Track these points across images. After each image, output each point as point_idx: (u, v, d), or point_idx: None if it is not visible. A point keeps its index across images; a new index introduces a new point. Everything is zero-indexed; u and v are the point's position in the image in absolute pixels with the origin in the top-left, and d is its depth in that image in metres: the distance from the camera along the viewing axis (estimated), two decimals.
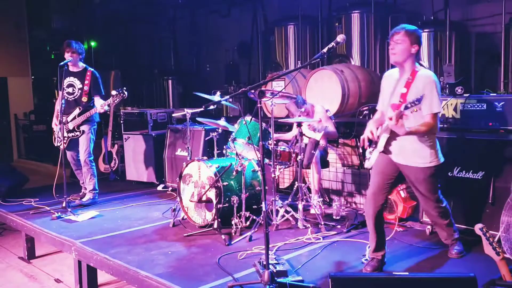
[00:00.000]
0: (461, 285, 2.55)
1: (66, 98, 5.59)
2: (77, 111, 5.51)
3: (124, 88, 5.41)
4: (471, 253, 3.72)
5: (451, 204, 4.12)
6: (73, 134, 5.56)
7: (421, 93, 3.14)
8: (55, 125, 5.74)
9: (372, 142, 3.48)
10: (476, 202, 4.02)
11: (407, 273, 2.93)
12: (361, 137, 3.51)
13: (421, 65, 3.40)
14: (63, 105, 5.44)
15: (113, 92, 5.33)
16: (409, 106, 2.98)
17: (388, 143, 3.40)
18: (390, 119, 3.09)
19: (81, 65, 5.64)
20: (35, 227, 4.80)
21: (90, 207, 5.54)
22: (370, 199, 3.47)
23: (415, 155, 3.37)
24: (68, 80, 5.60)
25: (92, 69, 5.62)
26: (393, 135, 3.35)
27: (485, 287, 2.87)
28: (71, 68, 5.62)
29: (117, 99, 5.33)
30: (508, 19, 5.62)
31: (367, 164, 3.55)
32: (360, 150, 5.71)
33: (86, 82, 5.51)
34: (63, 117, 5.50)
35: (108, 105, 5.42)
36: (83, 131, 5.54)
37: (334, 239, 4.20)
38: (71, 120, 5.54)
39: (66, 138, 5.56)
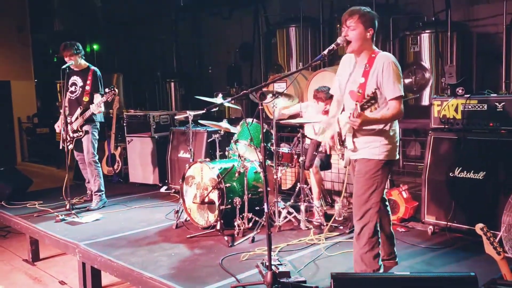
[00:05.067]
0: (462, 284, 2.56)
1: (69, 97, 5.62)
2: (78, 111, 5.52)
3: (115, 85, 5.50)
4: (472, 252, 3.73)
5: (452, 204, 4.14)
6: (77, 134, 5.58)
7: (380, 77, 2.94)
8: (57, 126, 5.76)
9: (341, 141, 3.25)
10: (477, 202, 4.02)
11: (408, 273, 2.94)
12: (328, 141, 3.33)
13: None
14: (66, 106, 5.51)
15: (106, 90, 5.39)
16: (365, 106, 2.78)
17: (353, 138, 3.10)
18: (353, 116, 2.86)
19: (84, 63, 5.62)
20: (39, 229, 4.82)
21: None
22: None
23: (368, 145, 3.05)
24: (72, 79, 5.62)
25: (94, 68, 5.60)
26: (355, 130, 3.07)
27: (486, 286, 2.88)
28: (74, 68, 5.64)
29: (109, 97, 5.37)
30: (509, 20, 5.63)
31: (342, 164, 3.37)
32: None
33: (88, 82, 5.52)
34: (68, 118, 5.56)
35: (104, 103, 5.42)
36: (86, 131, 5.55)
37: (336, 240, 4.21)
38: (74, 120, 5.57)
39: (71, 138, 5.61)
